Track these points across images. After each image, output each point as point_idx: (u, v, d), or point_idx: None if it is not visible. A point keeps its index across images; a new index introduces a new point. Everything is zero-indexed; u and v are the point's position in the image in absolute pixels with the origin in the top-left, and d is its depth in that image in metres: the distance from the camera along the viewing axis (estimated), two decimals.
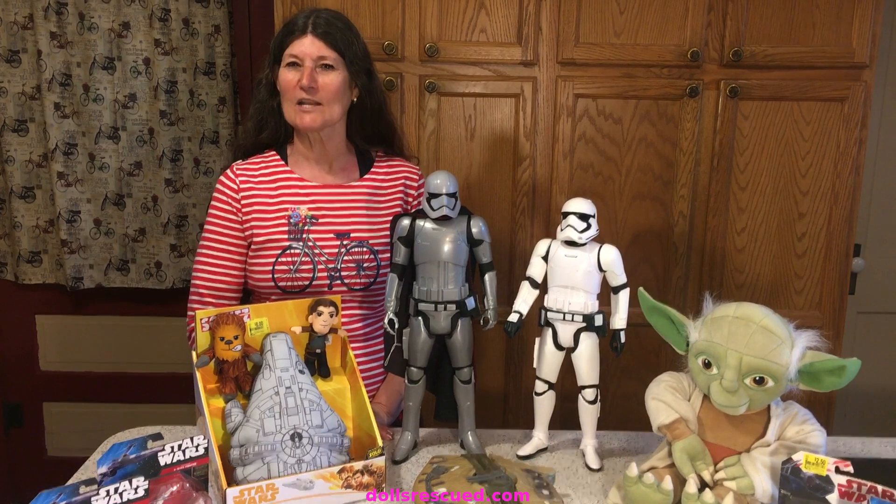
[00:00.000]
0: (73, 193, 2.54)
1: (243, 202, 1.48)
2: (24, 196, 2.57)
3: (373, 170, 1.56)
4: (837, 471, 0.99)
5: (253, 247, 1.48)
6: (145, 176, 2.56)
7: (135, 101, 2.51)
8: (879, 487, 0.98)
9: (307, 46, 1.40)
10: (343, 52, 1.42)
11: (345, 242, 1.48)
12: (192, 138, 2.55)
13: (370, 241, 1.50)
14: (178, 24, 2.47)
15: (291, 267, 1.46)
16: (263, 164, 1.51)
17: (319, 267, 1.47)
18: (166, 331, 2.70)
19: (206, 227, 1.51)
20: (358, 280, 1.49)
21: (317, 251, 1.47)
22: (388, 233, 1.47)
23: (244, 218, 1.48)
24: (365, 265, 1.49)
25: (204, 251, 1.50)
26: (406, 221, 1.30)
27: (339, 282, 1.48)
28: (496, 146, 1.98)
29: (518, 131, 1.96)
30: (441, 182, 1.26)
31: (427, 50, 1.91)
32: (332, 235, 1.48)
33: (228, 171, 1.50)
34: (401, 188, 1.57)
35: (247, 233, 1.48)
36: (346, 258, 1.48)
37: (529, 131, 1.96)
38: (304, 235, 1.47)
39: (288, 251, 1.46)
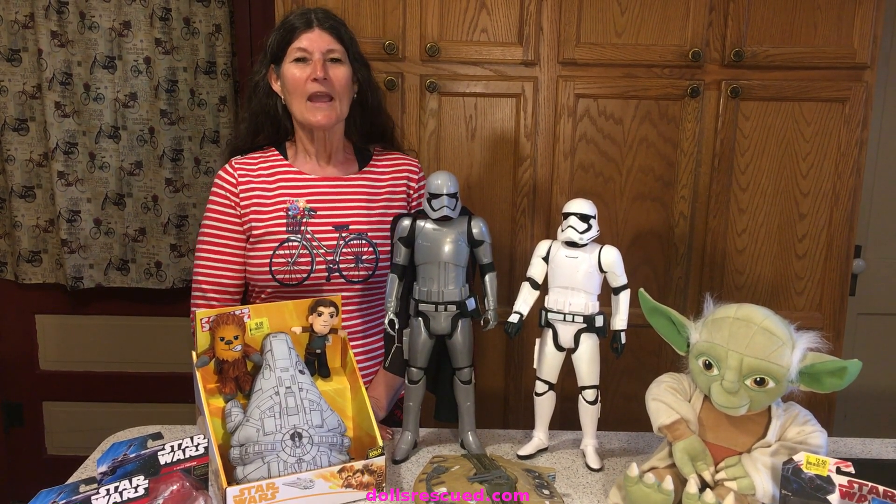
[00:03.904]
0: (73, 193, 2.53)
1: (241, 196, 1.48)
2: (25, 195, 2.57)
3: (371, 162, 1.56)
4: (838, 471, 0.99)
5: (251, 240, 1.48)
6: (146, 175, 2.56)
7: (135, 100, 2.51)
8: (881, 488, 0.98)
9: (316, 39, 1.41)
10: (348, 46, 1.45)
11: (343, 235, 1.48)
12: (193, 138, 2.55)
13: (369, 234, 1.50)
14: (179, 23, 2.47)
15: (289, 260, 1.46)
16: (262, 159, 1.52)
17: (318, 259, 1.46)
18: (166, 330, 2.70)
19: (205, 222, 1.50)
20: (356, 272, 1.49)
21: (315, 244, 1.47)
22: (387, 226, 1.47)
23: (243, 212, 1.48)
24: (363, 258, 1.49)
25: (204, 247, 1.50)
26: (406, 222, 1.30)
27: (337, 274, 1.48)
28: (497, 146, 1.97)
29: (519, 131, 1.96)
30: (442, 182, 1.26)
31: (428, 49, 1.91)
32: (330, 228, 1.48)
33: (227, 166, 1.50)
34: (403, 181, 1.57)
35: (245, 226, 1.48)
36: (344, 250, 1.48)
37: (530, 131, 1.96)
38: (303, 228, 1.47)
39: (286, 244, 1.46)
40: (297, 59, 1.42)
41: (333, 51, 1.42)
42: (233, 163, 1.50)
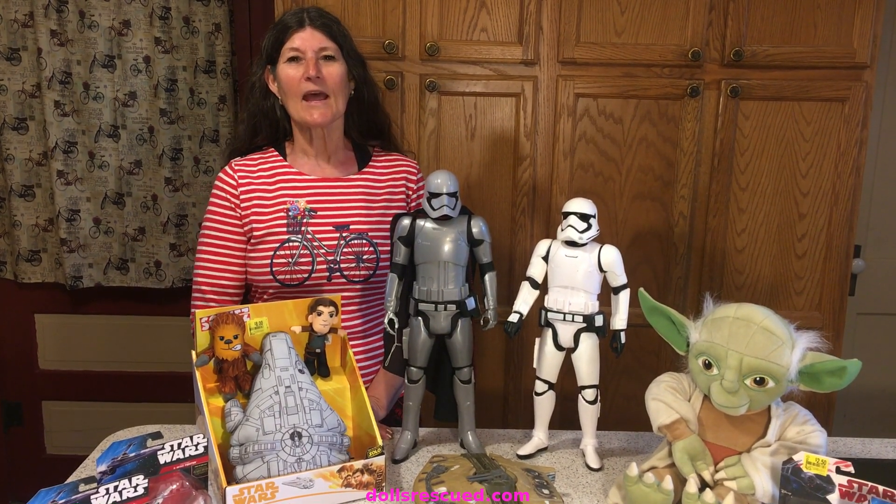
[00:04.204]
0: (72, 192, 2.53)
1: (242, 197, 1.48)
2: (24, 194, 2.57)
3: (371, 163, 1.56)
4: (838, 471, 0.99)
5: (252, 241, 1.48)
6: (145, 175, 2.56)
7: (135, 99, 2.51)
8: (880, 488, 0.98)
9: (308, 38, 1.41)
10: (341, 43, 1.45)
11: (344, 235, 1.48)
12: (193, 137, 2.55)
13: (369, 234, 1.50)
14: (179, 22, 2.47)
15: (290, 260, 1.46)
16: (262, 160, 1.52)
17: (318, 259, 1.46)
18: (166, 330, 2.70)
19: (206, 224, 1.51)
20: (357, 272, 1.49)
21: (316, 244, 1.47)
22: (387, 225, 1.47)
23: (243, 213, 1.48)
24: (364, 257, 1.49)
25: (204, 248, 1.50)
26: (406, 221, 1.30)
27: (338, 274, 1.48)
28: (496, 146, 1.97)
29: (518, 131, 1.96)
30: (442, 181, 1.26)
31: (428, 49, 1.91)
32: (330, 228, 1.48)
33: (227, 168, 1.51)
34: (402, 182, 1.57)
35: (246, 227, 1.48)
36: (345, 250, 1.48)
37: (530, 131, 1.96)
38: (303, 228, 1.47)
39: (287, 244, 1.46)
40: (291, 59, 1.42)
41: (326, 48, 1.42)
42: (233, 164, 1.51)
